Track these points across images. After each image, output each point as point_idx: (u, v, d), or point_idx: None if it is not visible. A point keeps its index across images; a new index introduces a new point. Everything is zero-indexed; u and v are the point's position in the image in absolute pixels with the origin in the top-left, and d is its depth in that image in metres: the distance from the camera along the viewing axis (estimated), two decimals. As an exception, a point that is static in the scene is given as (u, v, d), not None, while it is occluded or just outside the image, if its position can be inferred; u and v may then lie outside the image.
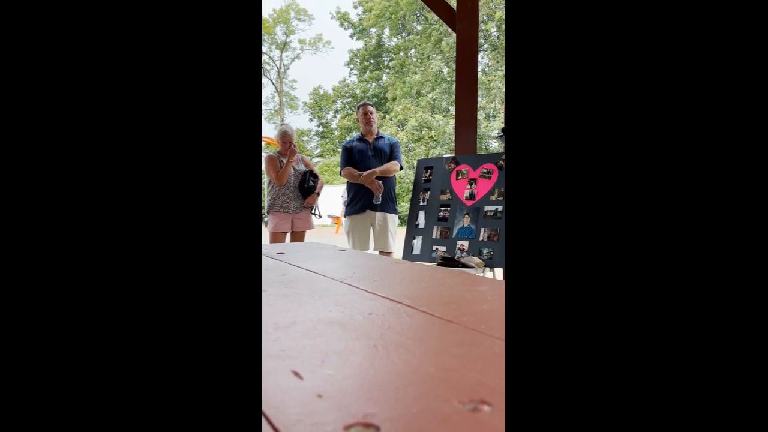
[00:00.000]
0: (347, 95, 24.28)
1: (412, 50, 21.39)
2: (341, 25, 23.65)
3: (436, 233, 3.53)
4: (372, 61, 23.22)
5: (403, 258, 3.59)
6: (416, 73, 19.37)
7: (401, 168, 3.62)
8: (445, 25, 3.79)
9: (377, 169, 3.46)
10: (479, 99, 15.27)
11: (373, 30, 22.68)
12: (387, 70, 22.78)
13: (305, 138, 25.55)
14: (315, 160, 21.71)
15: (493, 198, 3.32)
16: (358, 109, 3.63)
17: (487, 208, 3.33)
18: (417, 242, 3.60)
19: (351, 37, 23.71)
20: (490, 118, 16.85)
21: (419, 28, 21.08)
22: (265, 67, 25.81)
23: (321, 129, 25.51)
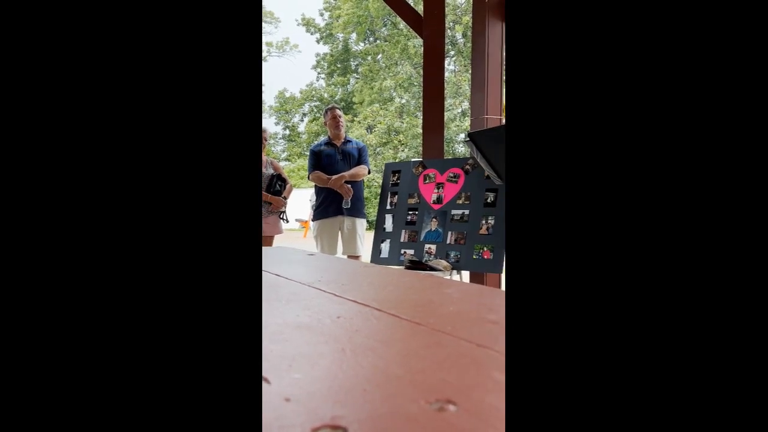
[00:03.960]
0: (315, 98, 24.15)
1: (380, 55, 21.48)
2: (307, 30, 23.53)
3: (404, 237, 3.55)
4: (339, 65, 23.19)
5: (372, 262, 3.60)
6: (386, 79, 19.45)
7: (369, 172, 3.62)
8: (412, 30, 3.83)
9: (346, 173, 3.45)
10: (447, 102, 15.46)
11: (340, 35, 22.66)
12: (355, 75, 22.79)
13: (272, 141, 25.26)
14: (282, 163, 21.49)
15: (460, 202, 3.37)
16: (326, 112, 3.62)
17: (454, 211, 3.37)
18: (385, 246, 3.61)
19: (318, 41, 23.62)
20: (458, 119, 17.05)
21: (387, 33, 21.19)
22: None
23: (288, 132, 25.27)
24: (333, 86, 23.32)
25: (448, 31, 17.29)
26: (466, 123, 16.20)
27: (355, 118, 19.59)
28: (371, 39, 22.29)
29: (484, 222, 3.22)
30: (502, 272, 3.18)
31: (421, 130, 5.33)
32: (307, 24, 23.55)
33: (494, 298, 0.67)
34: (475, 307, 0.60)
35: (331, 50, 23.27)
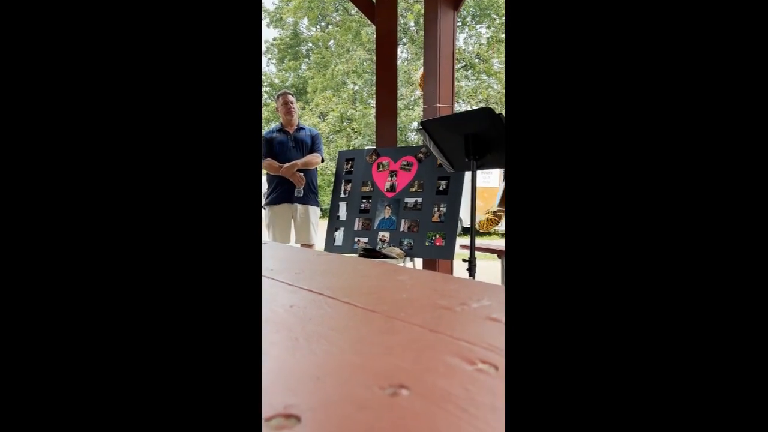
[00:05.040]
0: (265, 84, 23.58)
1: (332, 41, 21.19)
2: (257, 12, 22.76)
3: (357, 225, 3.55)
4: (290, 51, 22.70)
5: (325, 250, 3.58)
6: (338, 64, 19.22)
7: (323, 160, 3.58)
8: (365, 17, 3.80)
9: (298, 161, 3.40)
10: (399, 91, 15.49)
11: (290, 19, 22.15)
12: (306, 60, 22.39)
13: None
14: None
15: (413, 190, 3.40)
16: (278, 98, 3.54)
17: (407, 199, 3.40)
18: (339, 234, 3.60)
19: (267, 26, 22.99)
20: (411, 107, 17.13)
21: (339, 19, 20.91)
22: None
23: (238, 119, 24.50)
24: (284, 72, 22.83)
25: (401, 18, 17.25)
26: (418, 111, 16.31)
27: (306, 105, 19.29)
28: (323, 24, 21.92)
29: (436, 209, 3.27)
30: (453, 258, 3.25)
31: (374, 119, 5.31)
32: (256, 7, 22.78)
33: (446, 284, 0.68)
34: (427, 293, 0.61)
35: (281, 35, 22.73)
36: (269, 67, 23.88)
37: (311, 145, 3.51)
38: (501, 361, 0.36)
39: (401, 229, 3.37)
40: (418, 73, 3.52)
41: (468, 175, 2.47)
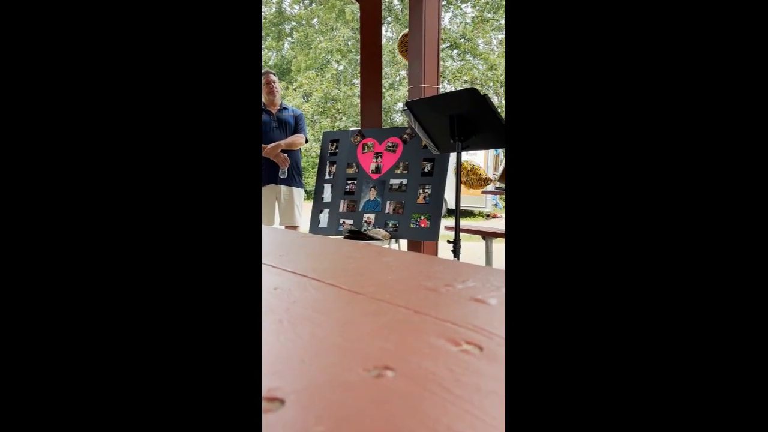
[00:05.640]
0: (248, 64, 23.03)
1: (315, 20, 20.82)
2: (239, -11, 22.24)
3: (342, 207, 3.54)
4: (273, 29, 22.27)
5: (310, 232, 3.57)
6: (322, 42, 18.92)
7: (306, 141, 3.55)
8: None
9: (282, 142, 3.37)
10: (384, 70, 15.32)
11: (273, -4, 21.69)
12: (289, 39, 22.00)
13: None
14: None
15: (398, 171, 3.39)
16: (260, 78, 3.48)
17: (392, 181, 3.39)
18: (324, 216, 3.59)
19: (250, 2, 22.42)
20: (395, 88, 17.00)
21: (322, -4, 20.53)
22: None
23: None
24: (266, 50, 22.43)
25: (386, -4, 17.00)
26: (403, 91, 16.18)
27: (290, 86, 19.01)
28: (306, 2, 21.51)
29: (421, 191, 3.27)
30: (438, 240, 3.27)
31: (359, 99, 5.26)
32: (238, -17, 22.25)
33: (431, 265, 0.68)
34: (412, 275, 0.61)
35: (265, 13, 22.28)
36: (251, 46, 23.36)
37: (294, 126, 3.47)
38: (486, 341, 0.36)
39: (386, 211, 3.37)
40: (400, 35, 3.45)
41: (453, 156, 2.47)
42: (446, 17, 17.86)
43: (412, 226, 3.26)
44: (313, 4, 21.23)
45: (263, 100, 3.45)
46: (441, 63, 3.69)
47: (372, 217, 3.40)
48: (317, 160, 3.83)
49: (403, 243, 3.57)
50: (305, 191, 3.67)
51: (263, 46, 22.40)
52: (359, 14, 3.61)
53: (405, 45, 3.46)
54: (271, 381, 0.29)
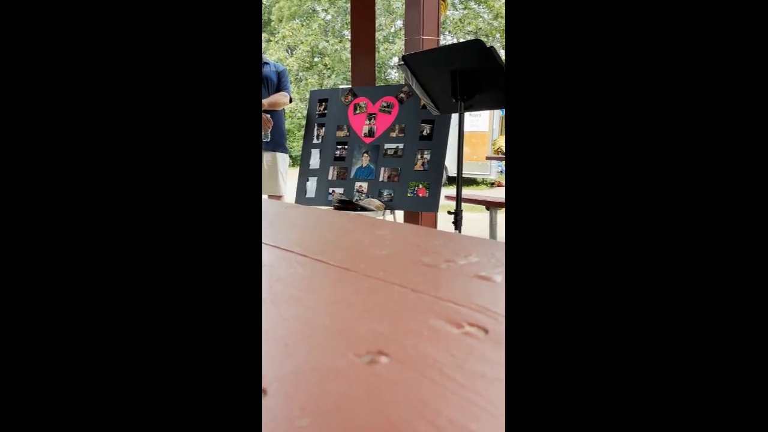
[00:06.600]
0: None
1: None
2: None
3: (332, 174, 3.53)
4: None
5: (296, 202, 3.57)
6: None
7: (291, 100, 3.51)
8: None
9: (264, 101, 3.32)
10: (378, 21, 15.07)
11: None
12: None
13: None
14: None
15: (394, 135, 3.37)
16: (238, 29, 3.42)
17: (387, 146, 3.37)
18: (311, 184, 3.58)
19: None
20: (390, 42, 16.77)
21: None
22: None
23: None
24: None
25: (379, -65, 16.58)
26: (399, 45, 15.95)
27: (272, 38, 18.69)
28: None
29: (419, 157, 3.25)
30: (437, 210, 3.27)
31: (349, 53, 5.19)
32: None
33: (430, 239, 0.68)
34: (409, 249, 0.61)
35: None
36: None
37: (277, 83, 3.42)
38: (491, 323, 0.36)
39: (380, 179, 3.36)
40: None
41: (455, 117, 2.45)
42: (448, -41, 17.53)
43: (408, 195, 3.25)
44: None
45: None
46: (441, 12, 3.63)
47: (364, 185, 3.39)
48: (303, 122, 3.80)
49: (399, 214, 3.58)
50: (290, 157, 3.65)
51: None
52: (349, -45, 3.53)
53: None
54: (251, 368, 0.29)
